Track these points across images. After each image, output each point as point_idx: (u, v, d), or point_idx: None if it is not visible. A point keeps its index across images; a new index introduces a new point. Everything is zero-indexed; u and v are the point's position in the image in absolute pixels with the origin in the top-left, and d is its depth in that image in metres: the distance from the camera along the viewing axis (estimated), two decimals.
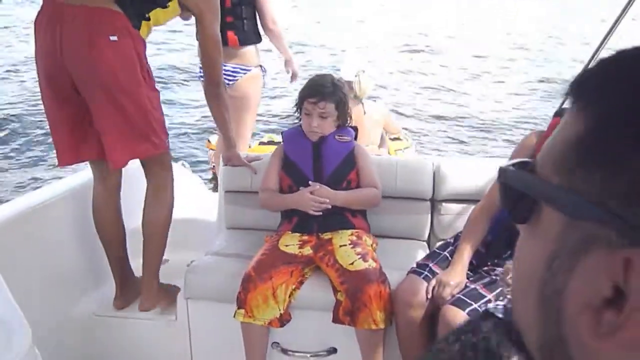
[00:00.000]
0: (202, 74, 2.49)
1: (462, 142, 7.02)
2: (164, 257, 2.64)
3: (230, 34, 3.11)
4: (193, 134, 6.90)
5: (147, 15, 2.07)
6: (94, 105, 2.04)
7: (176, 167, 3.25)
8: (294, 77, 3.64)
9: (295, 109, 2.30)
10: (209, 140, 5.17)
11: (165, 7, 2.09)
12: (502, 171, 0.41)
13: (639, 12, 2.52)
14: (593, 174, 0.35)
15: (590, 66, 0.40)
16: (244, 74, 3.25)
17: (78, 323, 2.27)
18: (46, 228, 2.27)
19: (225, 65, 2.85)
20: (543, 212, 0.39)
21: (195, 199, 3.13)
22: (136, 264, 2.60)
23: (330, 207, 2.13)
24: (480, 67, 11.21)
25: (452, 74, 10.63)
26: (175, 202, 2.86)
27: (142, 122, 2.08)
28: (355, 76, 3.37)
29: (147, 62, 2.10)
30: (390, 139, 4.35)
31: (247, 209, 2.52)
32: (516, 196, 0.40)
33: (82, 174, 2.85)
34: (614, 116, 0.35)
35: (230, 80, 3.14)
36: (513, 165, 0.41)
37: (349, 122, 2.30)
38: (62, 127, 2.11)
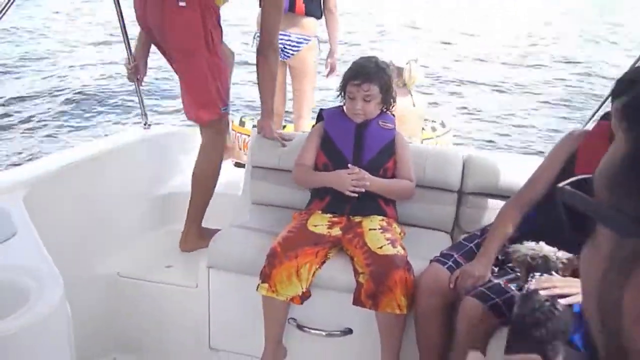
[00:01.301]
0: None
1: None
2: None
3: (299, 1, 3.21)
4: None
5: None
6: (174, 65, 2.32)
7: None
8: (332, 70, 3.64)
9: (339, 91, 2.29)
10: (241, 122, 4.79)
11: None
12: (560, 190, 0.43)
13: None
14: (635, 194, 0.37)
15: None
16: (306, 44, 3.34)
17: (102, 281, 2.32)
18: (85, 183, 2.32)
19: (289, 35, 2.99)
20: (598, 230, 0.41)
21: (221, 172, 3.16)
22: (167, 230, 2.66)
23: (364, 190, 2.13)
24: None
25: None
26: None
27: (200, 87, 2.27)
28: (407, 63, 3.33)
29: (215, 30, 2.22)
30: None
31: (273, 185, 2.54)
32: (574, 214, 0.42)
33: (130, 131, 2.90)
34: None
35: (294, 49, 3.24)
36: (571, 183, 0.43)
37: (393, 106, 2.29)
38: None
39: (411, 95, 3.40)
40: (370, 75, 2.16)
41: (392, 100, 2.27)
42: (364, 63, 2.21)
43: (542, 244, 1.62)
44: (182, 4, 2.09)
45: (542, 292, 1.49)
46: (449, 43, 13.07)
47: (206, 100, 2.30)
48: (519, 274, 1.82)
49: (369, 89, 2.17)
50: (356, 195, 2.13)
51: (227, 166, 3.34)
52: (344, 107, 2.28)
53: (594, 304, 0.41)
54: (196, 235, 2.50)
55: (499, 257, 1.89)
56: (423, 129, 4.53)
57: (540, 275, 1.55)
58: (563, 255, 1.58)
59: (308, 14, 3.32)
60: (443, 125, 4.87)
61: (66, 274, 1.53)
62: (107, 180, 2.46)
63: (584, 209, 0.41)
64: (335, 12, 3.46)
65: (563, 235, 1.44)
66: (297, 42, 3.29)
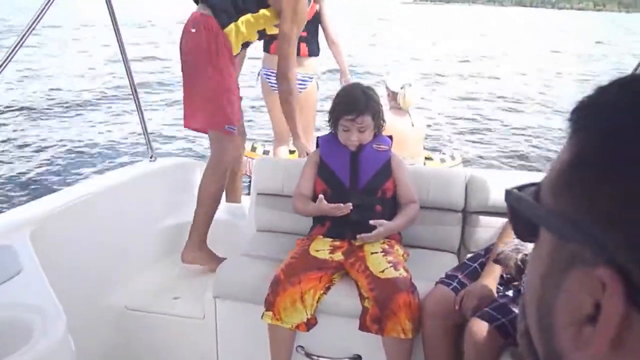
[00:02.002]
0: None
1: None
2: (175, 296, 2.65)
3: (303, 46, 3.45)
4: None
5: (237, 18, 2.46)
6: (183, 80, 2.57)
7: None
8: None
9: (329, 123, 2.31)
10: (252, 148, 4.90)
11: (255, 12, 2.48)
12: (508, 193, 0.44)
13: None
14: (575, 201, 0.37)
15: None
16: (310, 81, 3.62)
17: (109, 315, 2.33)
18: (92, 218, 2.34)
19: (296, 75, 3.08)
20: (540, 232, 0.41)
21: (224, 201, 3.18)
22: (173, 260, 2.67)
23: (350, 209, 2.11)
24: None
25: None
26: None
27: (206, 102, 2.52)
28: (401, 88, 3.38)
29: (223, 55, 2.46)
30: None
31: (278, 211, 2.55)
32: (520, 217, 0.43)
33: (137, 165, 2.95)
34: (589, 150, 0.38)
35: (301, 87, 3.45)
36: (520, 187, 0.44)
37: (382, 127, 2.31)
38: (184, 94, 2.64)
39: (409, 115, 3.43)
40: (362, 109, 2.18)
41: (382, 121, 2.29)
42: (354, 95, 2.22)
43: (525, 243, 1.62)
44: (193, 30, 2.45)
45: None
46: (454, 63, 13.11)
47: (209, 113, 2.53)
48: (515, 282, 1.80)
49: (363, 121, 2.19)
50: (346, 212, 2.10)
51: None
52: (339, 137, 2.29)
53: (533, 308, 0.42)
54: (197, 248, 2.57)
55: (504, 275, 1.87)
56: (432, 159, 4.54)
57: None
58: None
59: (311, 54, 3.60)
60: (453, 157, 4.87)
61: (73, 309, 1.55)
62: (114, 214, 2.48)
63: (528, 212, 0.42)
64: (337, 42, 3.79)
65: None
66: (303, 81, 3.51)
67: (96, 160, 6.87)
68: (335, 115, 2.25)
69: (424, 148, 4.21)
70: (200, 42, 2.43)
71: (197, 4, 2.52)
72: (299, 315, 1.94)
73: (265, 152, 4.86)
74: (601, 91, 0.39)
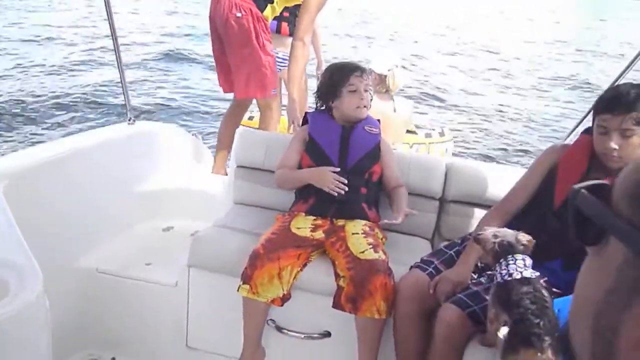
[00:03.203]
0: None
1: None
2: (169, 225, 2.69)
3: (284, 25, 3.68)
4: (213, 113, 7.01)
5: (272, 0, 3.10)
6: (230, 56, 3.15)
7: (188, 136, 3.29)
8: None
9: (323, 95, 2.31)
10: (250, 117, 4.86)
11: None
12: (576, 193, 0.40)
13: None
14: None
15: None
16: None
17: (80, 277, 2.30)
18: (67, 177, 2.30)
19: (277, 53, 3.49)
20: (610, 240, 0.38)
21: (204, 170, 3.16)
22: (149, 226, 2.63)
23: (347, 189, 2.14)
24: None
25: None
26: (185, 171, 2.90)
27: (254, 74, 3.12)
28: (389, 70, 3.36)
29: (265, 34, 3.10)
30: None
31: (257, 185, 2.54)
32: (584, 220, 0.39)
33: (115, 127, 2.89)
34: None
35: (282, 65, 3.57)
36: (587, 187, 0.40)
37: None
38: (219, 66, 3.30)
39: (393, 100, 3.44)
40: (364, 68, 2.31)
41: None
42: (347, 61, 2.36)
43: (503, 229, 1.67)
44: (238, 14, 3.01)
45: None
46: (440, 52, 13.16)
47: (260, 83, 3.14)
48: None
49: (368, 79, 2.28)
50: (336, 193, 2.14)
51: (210, 164, 3.35)
52: (342, 107, 2.27)
53: (587, 321, 0.38)
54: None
55: (479, 264, 1.92)
56: (416, 133, 4.55)
57: (507, 259, 1.59)
58: (523, 237, 1.63)
59: (291, 34, 3.56)
60: (442, 133, 4.85)
61: (45, 268, 1.52)
62: (89, 175, 2.44)
63: (598, 217, 0.38)
64: (317, 32, 3.89)
65: (541, 243, 1.47)
66: (284, 59, 3.51)
67: (75, 116, 6.69)
68: (341, 79, 2.25)
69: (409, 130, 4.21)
70: (247, 25, 3.01)
71: None
72: (275, 291, 1.95)
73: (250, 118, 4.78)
74: None
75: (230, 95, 3.40)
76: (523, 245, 1.62)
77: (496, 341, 1.56)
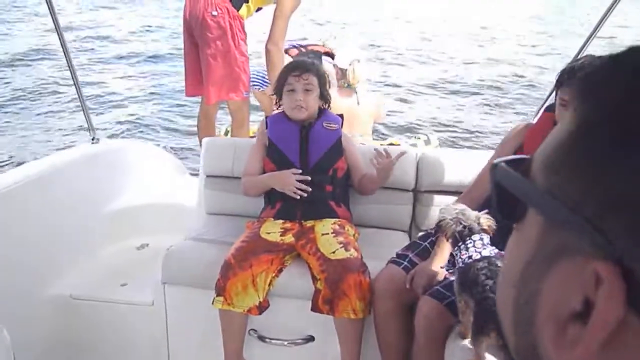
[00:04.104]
0: None
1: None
2: (144, 242, 2.64)
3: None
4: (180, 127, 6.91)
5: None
6: (203, 56, 3.09)
7: (157, 150, 3.23)
8: None
9: (275, 93, 2.28)
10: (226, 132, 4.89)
11: None
12: (494, 167, 0.39)
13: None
14: (574, 178, 0.33)
15: (580, 62, 0.38)
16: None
17: (53, 305, 2.24)
18: (32, 203, 2.24)
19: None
20: (528, 213, 0.37)
21: (176, 183, 3.11)
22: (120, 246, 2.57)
23: (310, 191, 2.11)
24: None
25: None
26: (156, 186, 2.85)
27: (229, 75, 3.08)
28: (350, 64, 3.34)
29: (240, 33, 3.07)
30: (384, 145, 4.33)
31: (228, 194, 2.49)
32: (505, 194, 0.38)
33: (78, 147, 2.83)
34: (599, 119, 0.33)
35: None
36: (507, 162, 0.39)
37: (328, 102, 2.30)
38: (189, 69, 3.26)
39: (356, 94, 3.41)
40: (308, 67, 2.21)
41: (328, 95, 2.28)
42: (300, 58, 2.25)
43: (465, 209, 1.65)
44: (214, 13, 2.99)
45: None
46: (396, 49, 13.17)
47: (234, 84, 3.11)
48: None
49: (308, 79, 2.18)
50: (298, 197, 2.11)
51: (183, 176, 3.29)
52: (283, 107, 2.25)
53: (510, 295, 0.38)
54: None
55: (453, 253, 1.89)
56: (399, 144, 4.52)
57: (465, 243, 1.57)
58: (485, 220, 1.61)
59: None
60: (428, 141, 4.84)
61: (10, 300, 1.46)
62: (55, 199, 2.38)
63: (516, 190, 0.37)
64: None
65: (506, 226, 1.44)
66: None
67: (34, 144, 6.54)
68: (281, 78, 2.22)
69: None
70: (224, 23, 2.99)
71: None
72: (250, 299, 1.91)
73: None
74: (606, 66, 0.35)
75: (197, 103, 3.39)
76: (483, 229, 1.60)
77: (469, 333, 1.55)
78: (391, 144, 4.51)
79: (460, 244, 1.58)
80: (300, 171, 2.15)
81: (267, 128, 2.29)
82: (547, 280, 0.34)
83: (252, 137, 3.93)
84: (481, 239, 1.56)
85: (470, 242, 1.55)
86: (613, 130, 0.32)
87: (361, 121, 3.41)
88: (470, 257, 1.53)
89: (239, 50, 3.09)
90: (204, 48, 3.08)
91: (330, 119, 2.26)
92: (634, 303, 0.29)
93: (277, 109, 2.33)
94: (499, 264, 1.48)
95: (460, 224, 1.61)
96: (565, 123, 0.35)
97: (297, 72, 2.18)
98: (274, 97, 2.30)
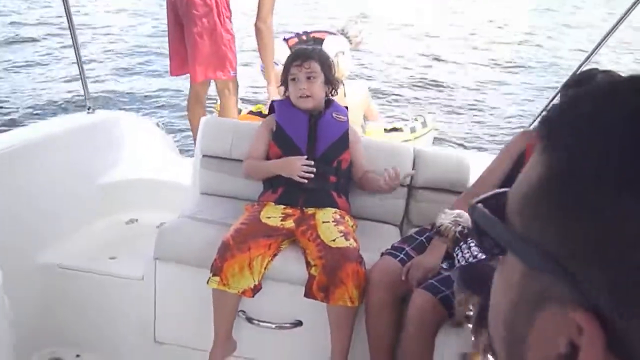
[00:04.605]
0: None
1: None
2: (133, 217, 2.62)
3: None
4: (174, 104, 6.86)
5: None
6: (189, 35, 3.07)
7: (150, 125, 3.20)
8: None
9: (282, 85, 2.29)
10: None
11: None
12: (472, 208, 0.40)
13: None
14: (549, 226, 0.33)
15: (586, 74, 0.39)
16: None
17: (41, 273, 2.21)
18: (24, 170, 2.20)
19: None
20: (508, 254, 0.38)
21: (168, 160, 3.08)
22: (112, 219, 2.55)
23: (314, 175, 2.13)
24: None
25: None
26: (148, 161, 2.83)
27: (215, 53, 3.08)
28: (335, 56, 3.36)
29: (226, 11, 3.09)
30: (387, 129, 4.36)
31: (224, 175, 2.49)
32: (485, 234, 0.39)
33: (73, 116, 2.78)
34: (565, 162, 0.33)
35: None
36: (485, 200, 0.40)
37: (337, 87, 2.31)
38: (174, 49, 3.24)
39: (343, 85, 3.45)
40: (309, 54, 2.21)
41: (335, 81, 2.28)
42: (301, 47, 2.33)
43: (462, 213, 1.68)
44: None
45: None
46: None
47: (220, 62, 3.11)
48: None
49: (310, 66, 2.19)
50: (305, 180, 2.12)
51: (173, 154, 3.27)
52: (291, 97, 2.26)
53: (501, 333, 0.39)
54: None
55: (449, 250, 1.93)
56: (402, 130, 4.56)
57: (468, 242, 1.61)
58: None
59: None
60: (424, 123, 4.83)
61: (3, 265, 1.45)
62: (48, 167, 2.34)
63: (494, 233, 0.38)
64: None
65: None
66: None
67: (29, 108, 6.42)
68: (285, 69, 2.23)
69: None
70: (209, 2, 2.99)
71: None
72: (246, 282, 1.92)
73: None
74: (576, 104, 0.34)
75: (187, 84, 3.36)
76: None
77: (463, 322, 1.59)
78: (394, 129, 4.56)
79: (462, 243, 1.61)
80: (306, 157, 2.16)
81: (274, 112, 2.29)
82: (534, 326, 0.35)
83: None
84: None
85: (473, 242, 1.59)
86: (577, 184, 0.31)
87: (349, 112, 3.45)
88: (475, 256, 1.56)
89: (224, 28, 3.09)
90: (189, 26, 3.05)
91: (339, 110, 2.28)
92: (615, 347, 0.30)
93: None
94: None
95: (459, 224, 1.65)
96: (536, 166, 0.35)
97: (299, 61, 2.19)
98: (281, 88, 2.31)
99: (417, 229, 2.18)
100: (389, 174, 2.16)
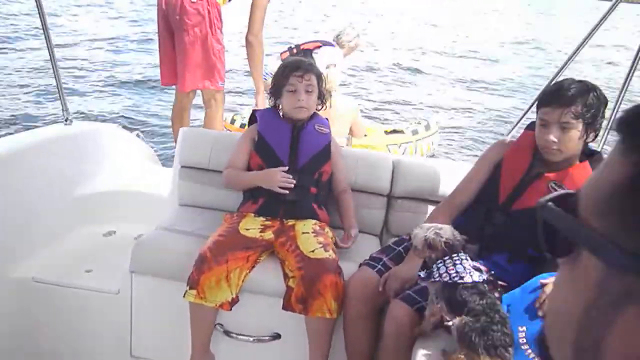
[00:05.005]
0: None
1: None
2: (111, 229, 2.58)
3: None
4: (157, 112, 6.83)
5: None
6: (179, 44, 3.09)
7: (130, 136, 3.17)
8: None
9: (271, 93, 2.26)
10: (232, 120, 4.73)
11: None
12: (542, 207, 0.39)
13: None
14: (635, 224, 0.33)
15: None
16: None
17: (15, 287, 2.17)
18: None
19: None
20: (583, 253, 0.37)
21: (147, 172, 3.05)
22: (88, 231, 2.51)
23: (295, 183, 2.11)
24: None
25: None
26: (127, 172, 2.80)
27: (205, 63, 3.10)
28: (327, 68, 3.37)
29: (217, 21, 3.12)
30: (388, 131, 4.36)
31: (202, 186, 2.47)
32: (554, 234, 0.39)
33: (50, 127, 2.75)
34: None
35: None
36: (554, 200, 0.39)
37: (326, 102, 2.32)
38: (164, 58, 3.25)
39: (330, 97, 3.46)
40: (308, 67, 2.21)
41: (324, 95, 2.29)
42: (298, 58, 2.31)
43: (441, 226, 1.68)
44: (193, 0, 3.00)
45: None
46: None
47: (210, 72, 3.12)
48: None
49: (310, 79, 2.19)
50: (286, 191, 2.11)
51: (154, 164, 3.24)
52: (282, 106, 2.24)
53: (567, 338, 0.37)
54: None
55: (426, 260, 1.93)
56: (403, 132, 4.55)
57: (452, 258, 1.60)
58: (458, 235, 1.66)
59: None
60: (428, 126, 4.78)
61: None
62: (23, 178, 2.30)
63: (569, 231, 0.37)
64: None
65: (487, 237, 1.50)
66: None
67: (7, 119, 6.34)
68: (282, 77, 2.20)
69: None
70: (202, 10, 3.01)
71: None
72: (223, 295, 1.90)
73: (242, 126, 4.62)
74: None
75: (172, 92, 3.37)
76: (458, 240, 1.64)
77: (429, 331, 1.63)
78: (394, 131, 4.54)
79: (446, 258, 1.61)
80: (287, 168, 2.14)
81: (256, 122, 2.28)
82: (615, 327, 0.34)
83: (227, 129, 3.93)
84: (467, 259, 1.60)
85: (458, 260, 1.59)
86: None
87: (334, 124, 3.46)
88: (461, 277, 1.55)
89: (215, 38, 3.12)
90: (181, 35, 3.07)
91: (321, 122, 2.27)
92: None
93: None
94: (498, 302, 1.55)
95: (442, 237, 1.64)
96: (620, 167, 0.35)
97: (300, 72, 2.17)
98: (268, 95, 2.29)
99: (395, 239, 2.17)
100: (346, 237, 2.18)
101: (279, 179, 2.11)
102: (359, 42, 4.10)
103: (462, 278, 1.55)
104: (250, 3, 3.09)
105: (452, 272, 1.57)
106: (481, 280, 1.57)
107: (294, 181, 2.12)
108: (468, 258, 1.62)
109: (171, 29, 3.14)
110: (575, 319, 0.37)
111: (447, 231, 1.66)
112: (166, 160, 4.09)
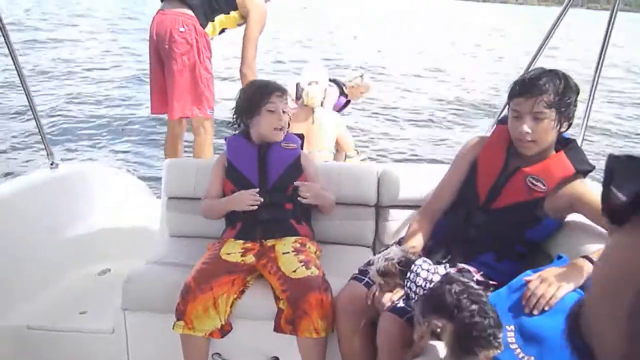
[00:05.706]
0: None
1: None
2: (105, 267, 2.58)
3: None
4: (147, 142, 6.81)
5: (213, 18, 3.11)
6: (169, 73, 3.10)
7: (120, 173, 3.18)
8: None
9: (240, 117, 2.25)
10: None
11: (227, 14, 3.13)
12: (615, 162, 0.38)
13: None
14: None
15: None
16: None
17: (9, 335, 2.17)
18: None
19: None
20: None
21: (140, 206, 3.06)
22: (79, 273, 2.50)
23: (262, 200, 2.11)
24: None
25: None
26: (118, 210, 2.80)
27: (193, 91, 3.10)
28: (309, 84, 3.38)
29: (206, 50, 3.11)
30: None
31: (190, 215, 2.46)
32: (613, 196, 0.38)
33: (36, 172, 2.77)
34: None
35: None
36: (622, 161, 0.38)
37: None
38: (155, 87, 3.26)
39: (313, 113, 3.45)
40: (283, 88, 2.25)
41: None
42: (270, 81, 2.29)
43: (388, 250, 1.65)
44: (182, 29, 3.02)
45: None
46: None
47: (198, 99, 3.12)
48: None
49: (287, 100, 2.23)
50: (255, 207, 2.10)
51: (147, 198, 3.25)
52: (259, 126, 2.22)
53: (632, 288, 0.35)
54: None
55: (405, 286, 1.89)
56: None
57: (412, 271, 1.56)
58: (407, 248, 1.70)
59: None
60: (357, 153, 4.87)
61: None
62: (11, 228, 2.32)
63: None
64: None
65: (471, 238, 1.48)
66: None
67: None
68: (262, 97, 2.18)
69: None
70: (190, 39, 3.04)
71: (163, 2, 3.08)
72: (212, 322, 1.88)
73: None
74: None
75: (162, 125, 3.37)
76: (409, 254, 1.62)
77: (424, 350, 1.58)
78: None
79: (408, 274, 1.57)
80: (258, 189, 2.14)
81: (226, 148, 2.29)
82: None
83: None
84: (424, 261, 1.57)
85: (417, 268, 1.56)
86: None
87: (317, 139, 3.44)
88: (430, 281, 1.52)
89: (203, 67, 3.13)
90: (170, 64, 3.10)
91: (288, 139, 2.26)
92: None
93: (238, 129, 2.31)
94: (475, 286, 1.51)
95: (389, 260, 1.61)
96: None
97: (280, 93, 2.20)
98: (235, 115, 2.28)
99: (382, 249, 2.14)
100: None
101: (246, 198, 2.11)
102: (360, 83, 3.97)
103: (431, 282, 1.52)
104: (241, 36, 3.16)
105: (420, 282, 1.54)
106: (450, 271, 1.55)
107: (261, 198, 2.11)
108: (425, 260, 1.58)
109: (162, 60, 3.16)
110: (627, 311, 0.35)
111: (395, 252, 1.63)
112: None
